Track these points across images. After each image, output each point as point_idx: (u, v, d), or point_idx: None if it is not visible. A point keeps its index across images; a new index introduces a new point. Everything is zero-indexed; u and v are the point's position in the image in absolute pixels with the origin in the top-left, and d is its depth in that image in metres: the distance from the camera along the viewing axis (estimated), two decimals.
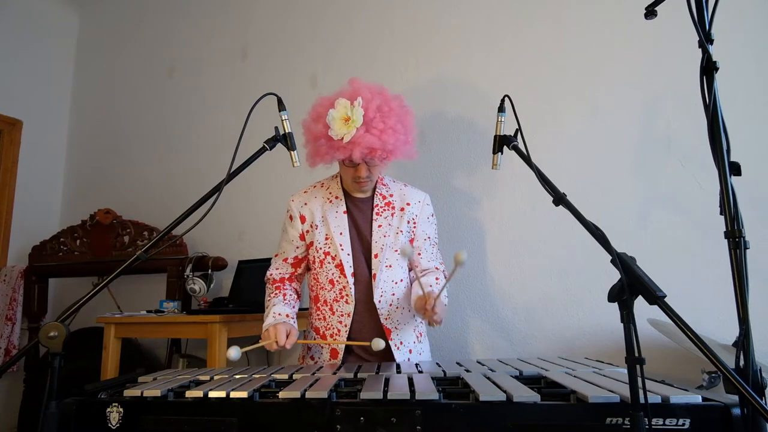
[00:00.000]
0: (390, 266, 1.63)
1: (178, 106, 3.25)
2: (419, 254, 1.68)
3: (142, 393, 1.11)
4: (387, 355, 1.61)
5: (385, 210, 1.66)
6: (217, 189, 1.24)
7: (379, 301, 1.61)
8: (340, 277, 1.62)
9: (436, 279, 1.66)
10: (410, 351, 1.65)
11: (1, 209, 3.33)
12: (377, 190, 1.69)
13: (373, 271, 1.62)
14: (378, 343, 1.43)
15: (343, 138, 1.47)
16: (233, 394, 1.06)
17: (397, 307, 1.64)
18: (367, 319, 1.62)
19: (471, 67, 2.37)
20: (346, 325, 1.61)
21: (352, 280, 1.61)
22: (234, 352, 1.31)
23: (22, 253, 3.31)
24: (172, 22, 3.39)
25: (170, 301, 2.54)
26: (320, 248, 1.65)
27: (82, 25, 3.83)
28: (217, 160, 3.00)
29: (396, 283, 1.64)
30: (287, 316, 1.57)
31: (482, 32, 2.36)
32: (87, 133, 3.64)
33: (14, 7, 3.44)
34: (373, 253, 1.62)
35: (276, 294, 1.65)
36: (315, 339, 1.68)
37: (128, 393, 1.12)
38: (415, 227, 1.68)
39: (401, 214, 1.66)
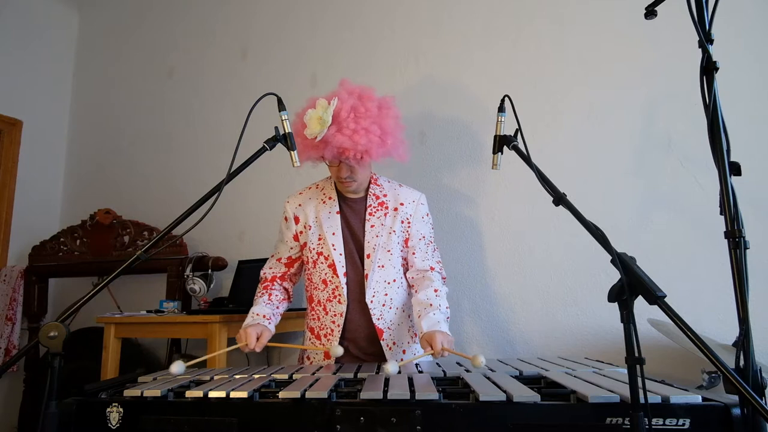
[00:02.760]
0: (383, 266, 1.64)
1: (178, 106, 3.25)
2: (414, 254, 1.68)
3: (142, 393, 1.11)
4: (381, 355, 1.62)
5: (378, 210, 1.67)
6: (217, 189, 1.24)
7: (371, 301, 1.61)
8: (332, 277, 1.62)
9: (435, 291, 1.60)
10: (404, 351, 1.65)
11: (1, 209, 3.32)
12: (371, 190, 1.69)
13: (365, 271, 1.62)
14: (336, 350, 1.49)
15: (316, 137, 1.50)
16: (233, 394, 1.06)
17: (390, 308, 1.64)
18: (360, 319, 1.63)
19: (471, 67, 2.36)
20: (339, 325, 1.61)
21: (344, 279, 1.61)
22: (176, 368, 1.24)
23: (22, 253, 3.30)
24: (172, 22, 3.38)
25: (170, 301, 2.53)
26: (313, 248, 1.66)
27: (82, 25, 3.82)
28: (217, 160, 3.00)
29: (389, 283, 1.65)
30: (264, 317, 1.58)
31: (482, 32, 2.36)
32: (87, 133, 3.64)
33: (14, 7, 3.43)
34: (366, 253, 1.63)
35: (262, 294, 1.68)
36: (311, 340, 1.68)
37: (128, 393, 1.13)
38: (409, 227, 1.68)
39: (394, 214, 1.66)
